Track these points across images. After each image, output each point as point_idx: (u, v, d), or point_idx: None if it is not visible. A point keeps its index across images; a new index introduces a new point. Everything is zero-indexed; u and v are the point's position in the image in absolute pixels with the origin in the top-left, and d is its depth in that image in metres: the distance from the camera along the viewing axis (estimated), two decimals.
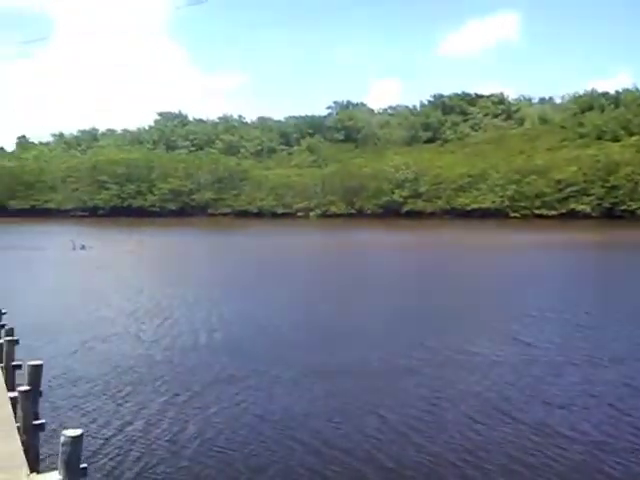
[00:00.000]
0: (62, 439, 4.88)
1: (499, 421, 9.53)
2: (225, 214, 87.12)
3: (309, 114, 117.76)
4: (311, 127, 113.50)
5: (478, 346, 14.15)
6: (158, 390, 10.87)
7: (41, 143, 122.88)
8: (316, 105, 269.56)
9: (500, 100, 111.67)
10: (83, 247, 39.93)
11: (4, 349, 8.50)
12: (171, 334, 15.40)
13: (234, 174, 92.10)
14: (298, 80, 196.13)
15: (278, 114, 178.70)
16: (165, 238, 52.75)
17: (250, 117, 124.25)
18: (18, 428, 5.80)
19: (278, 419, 9.55)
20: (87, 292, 22.43)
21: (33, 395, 6.36)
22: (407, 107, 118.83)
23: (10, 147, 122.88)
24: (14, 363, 8.44)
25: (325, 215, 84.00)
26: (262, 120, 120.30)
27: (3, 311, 11.18)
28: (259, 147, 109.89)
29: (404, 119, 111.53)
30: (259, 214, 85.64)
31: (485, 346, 14.19)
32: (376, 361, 13.03)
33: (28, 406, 6.16)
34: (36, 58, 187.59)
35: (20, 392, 6.15)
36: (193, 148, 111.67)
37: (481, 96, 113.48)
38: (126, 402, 10.21)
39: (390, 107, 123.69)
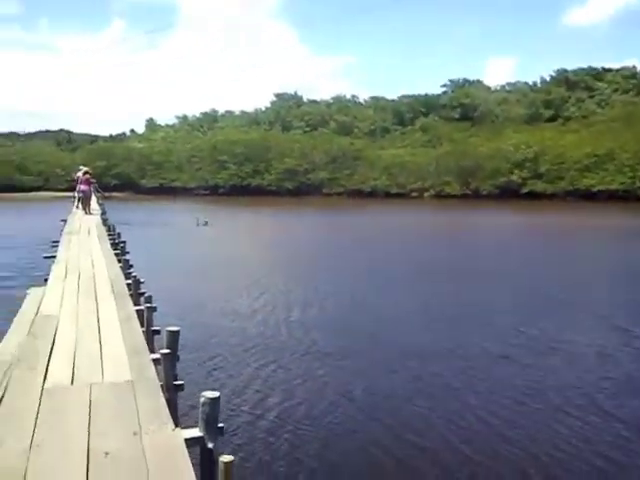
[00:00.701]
0: (202, 400, 5.25)
1: (596, 417, 9.04)
2: (339, 193, 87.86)
3: (423, 93, 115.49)
4: (425, 106, 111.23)
5: (583, 336, 13.46)
6: (282, 358, 11.36)
7: (167, 125, 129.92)
8: (430, 84, 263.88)
9: (632, 74, 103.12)
10: (206, 223, 42.04)
11: (145, 315, 9.21)
12: (289, 306, 15.97)
13: (348, 154, 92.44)
14: (411, 59, 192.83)
15: (391, 93, 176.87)
16: (280, 216, 54.14)
17: (363, 97, 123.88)
18: (161, 387, 6.26)
19: (361, 396, 9.66)
20: (211, 264, 23.73)
21: (172, 358, 6.88)
22: (527, 83, 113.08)
23: (140, 129, 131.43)
24: (153, 328, 9.15)
25: (439, 196, 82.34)
26: (375, 100, 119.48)
27: (141, 280, 12.04)
28: (372, 127, 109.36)
29: (523, 96, 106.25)
30: (372, 194, 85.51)
31: (591, 337, 13.46)
32: (471, 346, 12.78)
33: (169, 367, 6.67)
34: (161, 47, 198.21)
35: (162, 354, 6.68)
36: (308, 128, 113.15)
37: (609, 70, 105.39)
38: (251, 369, 10.78)
39: (508, 84, 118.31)
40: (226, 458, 4.27)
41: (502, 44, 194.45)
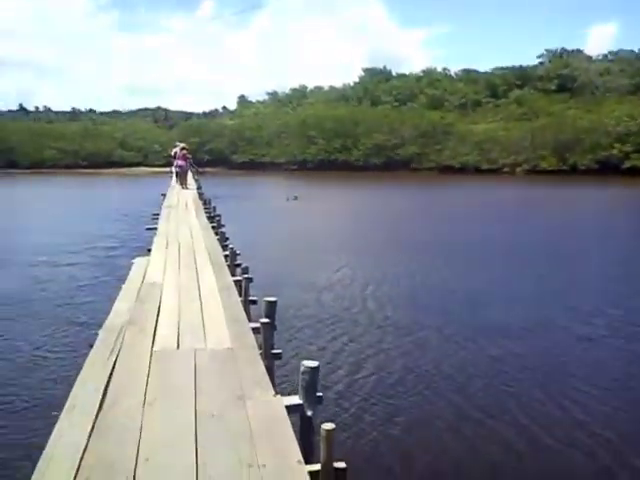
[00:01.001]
0: (302, 368, 5.41)
1: None
2: (428, 169, 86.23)
3: (517, 64, 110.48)
4: (520, 78, 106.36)
5: None
6: (372, 331, 11.46)
7: (258, 102, 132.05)
8: (525, 55, 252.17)
9: None
10: (295, 198, 42.59)
11: (242, 286, 9.54)
12: (375, 281, 16.01)
13: (437, 128, 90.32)
14: (505, 30, 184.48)
15: (484, 65, 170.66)
16: (368, 192, 53.95)
17: (454, 70, 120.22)
18: (260, 355, 6.48)
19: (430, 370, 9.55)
20: (301, 239, 24.14)
21: (271, 327, 7.10)
22: (632, 51, 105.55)
23: (232, 106, 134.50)
24: (250, 298, 9.46)
25: (533, 171, 78.98)
26: (467, 72, 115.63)
27: (237, 252, 12.44)
28: (463, 100, 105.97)
29: (628, 65, 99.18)
30: (462, 169, 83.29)
31: None
32: (553, 327, 12.25)
33: (268, 336, 6.89)
34: (251, 25, 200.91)
35: (262, 323, 6.91)
36: (396, 103, 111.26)
37: None
38: (344, 340, 10.98)
39: (610, 52, 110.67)
40: (328, 426, 4.38)
41: (604, 10, 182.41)
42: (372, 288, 15.54)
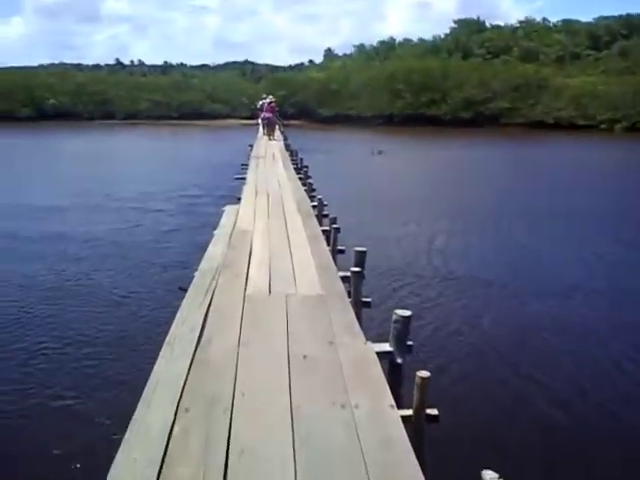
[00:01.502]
0: (394, 317, 5.38)
1: None
2: (519, 125, 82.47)
3: (624, 13, 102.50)
4: (626, 27, 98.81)
5: None
6: (462, 283, 11.31)
7: (345, 55, 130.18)
8: (634, 3, 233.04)
9: None
10: (380, 152, 42.09)
11: (331, 236, 9.58)
12: (460, 237, 15.72)
13: (531, 82, 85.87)
14: None
15: (586, 15, 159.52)
16: (455, 147, 52.46)
17: (553, 20, 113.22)
18: (350, 303, 6.51)
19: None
20: (386, 193, 23.94)
21: (360, 276, 7.10)
22: None
23: (318, 59, 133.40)
24: (338, 248, 9.51)
25: (633, 128, 73.95)
26: (567, 23, 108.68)
27: (325, 203, 12.47)
28: (561, 53, 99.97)
29: None
30: (556, 125, 79.08)
31: None
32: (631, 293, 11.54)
33: (357, 284, 6.90)
34: None
35: (352, 272, 6.92)
36: (489, 56, 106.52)
37: None
38: (430, 291, 10.93)
39: None
40: (423, 374, 4.36)
41: None
42: (456, 244, 15.35)
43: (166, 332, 5.63)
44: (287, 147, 26.69)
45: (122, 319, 9.78)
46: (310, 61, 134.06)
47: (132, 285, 11.63)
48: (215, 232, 9.90)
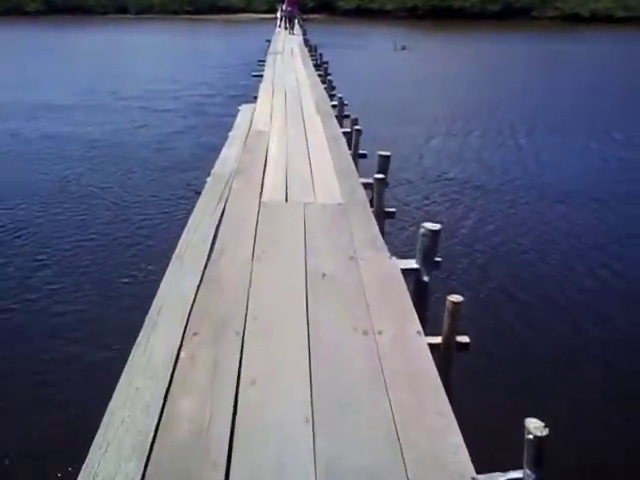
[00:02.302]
0: (421, 231, 4.89)
1: None
2: (552, 18, 77.77)
3: None
4: None
5: None
6: (495, 194, 10.75)
7: None
8: None
9: None
10: (404, 48, 40.03)
11: (353, 138, 8.94)
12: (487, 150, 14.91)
13: None
14: None
15: None
16: (484, 43, 49.76)
17: None
18: (372, 213, 6.02)
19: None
20: (410, 90, 22.80)
21: (384, 183, 6.54)
22: None
23: None
24: (360, 152, 8.88)
25: None
26: None
27: (345, 102, 11.69)
28: None
29: None
30: (592, 18, 74.47)
31: None
32: None
33: (381, 192, 6.37)
34: None
35: (376, 179, 6.35)
36: None
37: None
38: (459, 203, 10.36)
39: None
40: (455, 298, 3.92)
41: None
42: (484, 150, 14.45)
43: (175, 242, 5.23)
44: (306, 42, 25.28)
45: (127, 226, 9.32)
46: None
47: (138, 189, 11.06)
48: (230, 133, 9.30)
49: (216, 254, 4.93)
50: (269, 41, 25.40)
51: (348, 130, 9.61)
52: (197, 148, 13.30)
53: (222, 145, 8.55)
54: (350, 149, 8.64)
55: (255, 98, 12.50)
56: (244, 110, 11.02)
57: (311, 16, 67.70)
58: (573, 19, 75.14)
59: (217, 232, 5.32)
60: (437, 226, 4.89)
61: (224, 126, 10.61)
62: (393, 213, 6.58)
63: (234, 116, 10.78)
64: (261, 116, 10.44)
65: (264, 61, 18.72)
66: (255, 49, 28.03)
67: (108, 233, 9.00)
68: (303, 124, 9.83)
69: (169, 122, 16.76)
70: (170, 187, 11.05)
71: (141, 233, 8.99)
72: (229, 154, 7.86)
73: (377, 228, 5.57)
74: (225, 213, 5.79)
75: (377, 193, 6.33)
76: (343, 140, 8.78)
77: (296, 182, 6.79)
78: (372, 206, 6.27)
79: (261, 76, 15.78)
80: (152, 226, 9.26)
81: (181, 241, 5.20)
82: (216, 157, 7.79)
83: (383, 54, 37.65)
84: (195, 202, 6.19)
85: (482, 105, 20.15)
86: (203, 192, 6.39)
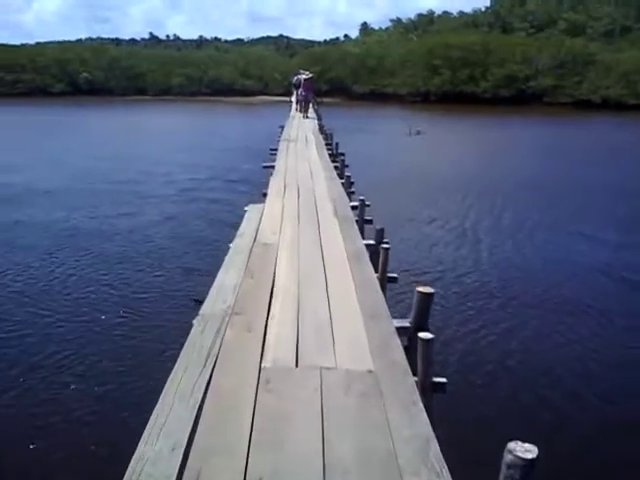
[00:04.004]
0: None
1: None
2: (563, 104, 78.17)
3: None
4: None
5: None
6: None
7: (381, 29, 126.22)
8: None
9: None
10: (418, 132, 39.57)
11: (380, 256, 7.32)
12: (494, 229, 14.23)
13: (578, 58, 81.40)
14: None
15: None
16: (497, 127, 49.49)
17: None
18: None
19: None
20: (425, 175, 22.40)
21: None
22: None
23: (354, 34, 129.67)
24: (389, 275, 7.24)
25: None
26: None
27: (367, 203, 10.27)
28: (610, 26, 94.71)
29: None
30: (603, 105, 74.73)
31: None
32: None
33: (429, 352, 4.70)
34: None
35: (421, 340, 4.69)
36: (532, 30, 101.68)
37: None
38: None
39: None
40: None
41: None
42: (491, 230, 14.74)
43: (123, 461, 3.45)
44: (321, 128, 24.39)
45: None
46: (345, 36, 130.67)
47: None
48: (231, 244, 7.79)
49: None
50: (282, 127, 24.54)
51: (372, 242, 8.04)
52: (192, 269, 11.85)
53: (220, 261, 7.02)
54: (377, 272, 6.99)
55: (264, 195, 11.14)
56: (251, 212, 9.59)
57: (326, 99, 68.35)
58: (585, 105, 75.52)
59: (193, 435, 3.60)
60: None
61: (226, 235, 9.23)
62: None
63: (239, 218, 9.38)
64: (270, 221, 8.98)
65: (276, 150, 17.60)
66: (268, 132, 27.34)
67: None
68: (318, 233, 8.30)
69: (160, 238, 14.29)
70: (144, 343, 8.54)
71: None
72: (226, 280, 6.26)
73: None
74: (209, 392, 4.08)
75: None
76: (367, 258, 7.10)
77: (309, 329, 5.14)
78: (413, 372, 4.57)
79: (272, 167, 14.56)
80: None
81: (134, 460, 3.30)
82: (209, 284, 6.20)
83: (398, 139, 37.18)
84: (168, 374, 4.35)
85: (491, 191, 19.80)
86: (183, 349, 4.70)
